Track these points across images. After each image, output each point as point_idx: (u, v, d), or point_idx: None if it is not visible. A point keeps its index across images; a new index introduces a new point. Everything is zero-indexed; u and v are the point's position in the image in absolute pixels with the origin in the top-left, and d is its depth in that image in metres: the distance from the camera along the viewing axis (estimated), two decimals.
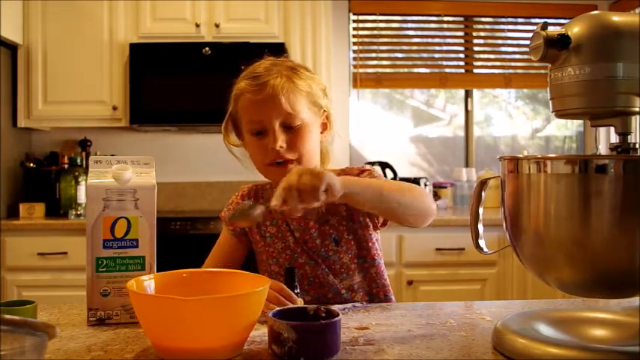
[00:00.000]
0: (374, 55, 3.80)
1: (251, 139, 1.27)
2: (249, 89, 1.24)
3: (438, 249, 3.02)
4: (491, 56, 3.88)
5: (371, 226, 1.32)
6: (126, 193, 1.04)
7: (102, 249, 1.04)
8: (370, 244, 1.32)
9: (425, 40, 3.86)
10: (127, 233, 1.04)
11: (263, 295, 0.89)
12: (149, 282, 0.96)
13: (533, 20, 3.86)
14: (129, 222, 1.04)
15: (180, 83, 3.23)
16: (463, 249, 2.96)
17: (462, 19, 3.87)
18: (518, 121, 4.15)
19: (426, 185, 3.54)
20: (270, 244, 1.32)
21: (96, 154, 3.34)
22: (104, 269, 1.04)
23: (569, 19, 0.91)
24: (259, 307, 0.89)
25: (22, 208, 3.15)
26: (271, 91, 1.21)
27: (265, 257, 1.32)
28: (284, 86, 1.22)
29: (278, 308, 0.92)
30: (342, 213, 1.30)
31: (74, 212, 3.14)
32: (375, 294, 1.31)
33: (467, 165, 3.93)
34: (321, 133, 1.32)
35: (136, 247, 1.05)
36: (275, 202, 0.97)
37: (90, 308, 1.04)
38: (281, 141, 1.22)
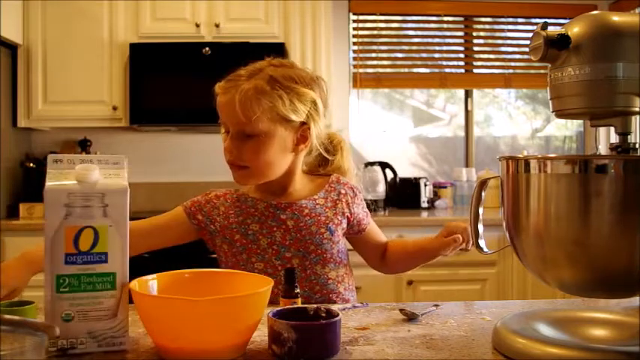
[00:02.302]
0: (374, 55, 3.80)
1: (222, 136, 1.32)
2: (219, 90, 1.29)
3: None
4: (492, 56, 3.88)
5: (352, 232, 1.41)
6: (92, 197, 0.88)
7: (63, 265, 0.87)
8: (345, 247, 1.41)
9: (425, 40, 3.86)
10: (93, 246, 0.88)
11: (267, 294, 0.89)
12: (152, 282, 0.95)
13: (533, 20, 3.86)
14: (96, 232, 0.88)
15: (180, 83, 3.23)
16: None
17: (462, 19, 3.87)
18: (518, 121, 4.15)
19: (426, 185, 3.54)
20: (253, 241, 1.30)
21: (96, 154, 3.34)
22: (66, 289, 0.87)
23: (569, 19, 0.91)
24: (263, 307, 0.89)
25: (22, 208, 3.15)
26: (232, 97, 1.24)
27: (247, 256, 1.31)
28: (245, 95, 1.23)
29: (279, 308, 0.92)
30: (342, 213, 1.35)
31: None
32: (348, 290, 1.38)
33: (467, 165, 3.93)
34: (297, 145, 1.30)
35: (105, 262, 0.89)
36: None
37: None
38: (231, 146, 1.26)
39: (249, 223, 1.32)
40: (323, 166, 1.43)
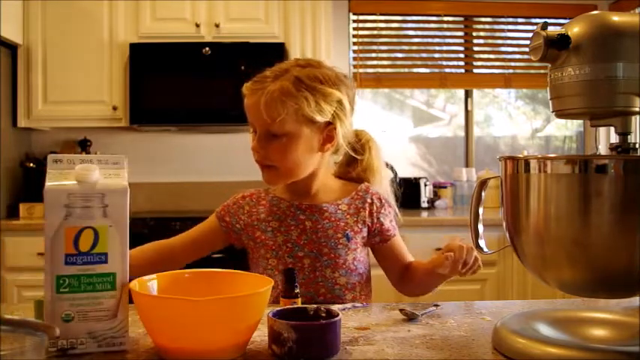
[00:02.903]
0: (374, 55, 3.80)
1: (251, 136, 1.33)
2: (246, 92, 1.29)
3: (438, 249, 3.01)
4: (492, 56, 3.88)
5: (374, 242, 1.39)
6: (92, 197, 0.87)
7: (63, 265, 0.87)
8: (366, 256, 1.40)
9: (425, 40, 3.86)
10: (93, 246, 0.88)
11: (267, 294, 0.89)
12: (152, 282, 0.95)
13: (533, 20, 3.86)
14: (96, 233, 0.88)
15: (180, 83, 3.23)
16: None
17: (462, 19, 3.87)
18: (518, 121, 4.15)
19: (426, 185, 3.54)
20: (271, 238, 1.34)
21: (96, 154, 3.34)
22: (67, 289, 0.87)
23: (569, 19, 0.91)
24: (263, 307, 0.89)
25: (22, 208, 3.15)
26: (258, 98, 1.25)
27: (263, 251, 1.34)
28: (270, 96, 1.24)
29: (279, 308, 0.92)
30: (363, 221, 1.35)
31: None
32: (358, 299, 1.35)
33: (467, 165, 3.93)
34: (323, 145, 1.30)
35: (105, 262, 0.88)
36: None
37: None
38: (257, 146, 1.27)
39: (270, 220, 1.35)
40: (353, 165, 1.42)
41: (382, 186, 1.43)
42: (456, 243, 1.20)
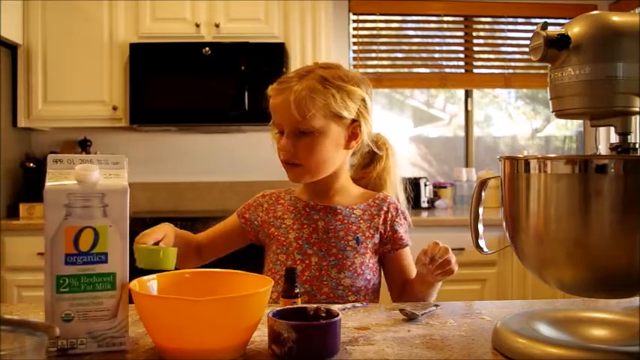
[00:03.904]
0: (374, 55, 3.80)
1: (275, 137, 1.36)
2: (272, 93, 1.33)
3: None
4: (492, 56, 3.88)
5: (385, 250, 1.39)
6: (92, 197, 0.87)
7: (63, 265, 0.87)
8: (376, 265, 1.39)
9: (425, 40, 3.86)
10: (93, 246, 0.88)
11: (267, 294, 0.89)
12: (152, 282, 0.96)
13: (533, 20, 3.86)
14: (96, 232, 0.88)
15: (180, 83, 3.23)
16: (463, 249, 2.96)
17: (462, 19, 3.87)
18: (518, 121, 4.15)
19: (426, 185, 3.54)
20: (283, 234, 1.37)
21: (96, 154, 3.34)
22: (66, 289, 0.87)
23: (569, 19, 0.91)
24: (263, 307, 0.89)
25: (22, 208, 3.15)
26: (287, 97, 1.29)
27: (275, 247, 1.37)
28: (299, 94, 1.27)
29: (279, 308, 0.92)
30: (376, 228, 1.36)
31: None
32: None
33: (467, 165, 3.93)
34: (348, 142, 1.34)
35: (105, 262, 0.88)
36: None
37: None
38: (287, 145, 1.30)
39: (285, 218, 1.39)
40: (372, 166, 1.45)
41: (398, 189, 1.45)
42: (434, 242, 1.23)
